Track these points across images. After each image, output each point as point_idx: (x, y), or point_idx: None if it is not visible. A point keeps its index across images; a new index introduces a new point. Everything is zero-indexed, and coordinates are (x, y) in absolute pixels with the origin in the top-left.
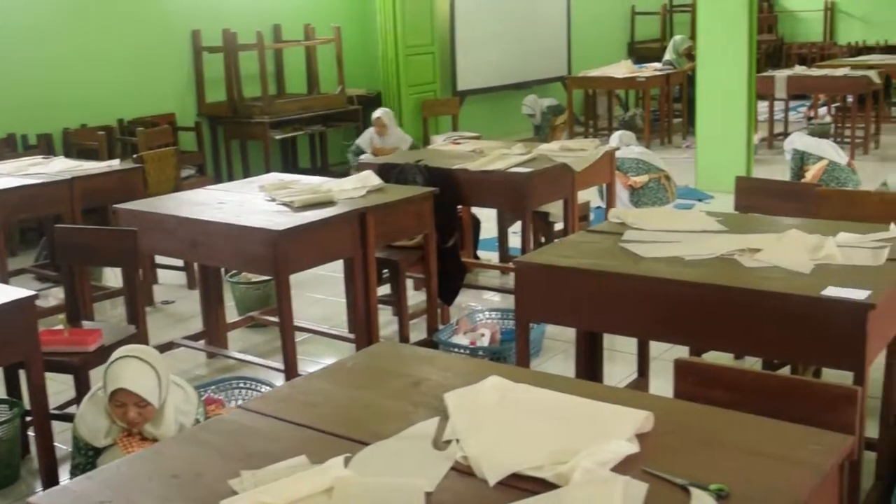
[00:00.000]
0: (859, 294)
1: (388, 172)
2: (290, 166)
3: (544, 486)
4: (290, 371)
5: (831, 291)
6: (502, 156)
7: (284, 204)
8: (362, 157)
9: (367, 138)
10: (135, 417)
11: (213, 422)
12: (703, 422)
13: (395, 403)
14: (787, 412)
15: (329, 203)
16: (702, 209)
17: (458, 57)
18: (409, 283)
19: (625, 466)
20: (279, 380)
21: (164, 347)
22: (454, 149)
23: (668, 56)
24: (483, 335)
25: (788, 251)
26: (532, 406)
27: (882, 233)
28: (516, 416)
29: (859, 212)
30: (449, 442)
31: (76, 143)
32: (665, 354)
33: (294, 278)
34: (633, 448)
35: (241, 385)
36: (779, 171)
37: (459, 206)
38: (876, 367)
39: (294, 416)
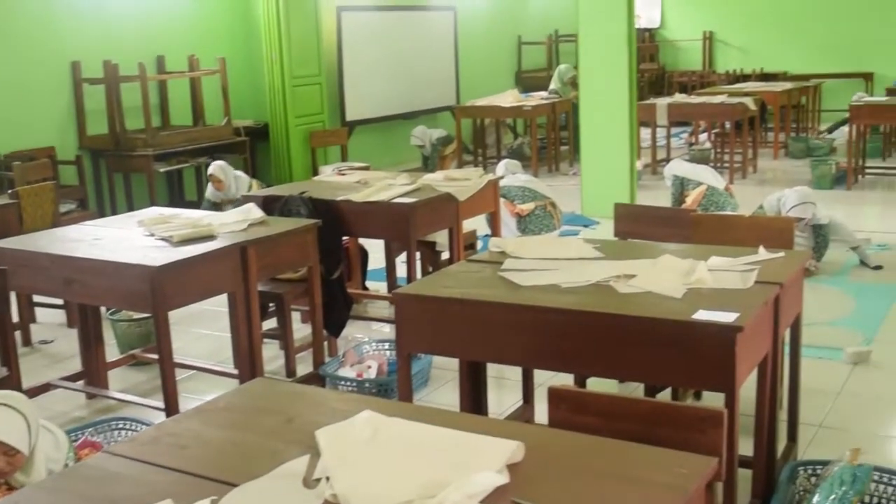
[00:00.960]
0: (728, 317)
1: (272, 205)
2: (177, 199)
3: None
4: (171, 410)
5: (701, 315)
6: (387, 186)
7: (163, 239)
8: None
9: (212, 195)
10: (3, 467)
11: (77, 468)
12: (574, 449)
13: (267, 442)
14: (658, 436)
15: (209, 237)
16: (583, 236)
17: (346, 87)
18: (297, 315)
19: (494, 498)
20: (161, 419)
21: (40, 389)
22: (339, 180)
23: (553, 85)
24: (370, 367)
25: (661, 276)
26: (404, 440)
27: (751, 256)
28: (388, 450)
29: (732, 235)
30: (319, 480)
31: None
32: (552, 380)
33: (179, 313)
34: (503, 479)
35: (121, 426)
36: (662, 197)
37: (345, 238)
38: (749, 386)
39: (161, 459)
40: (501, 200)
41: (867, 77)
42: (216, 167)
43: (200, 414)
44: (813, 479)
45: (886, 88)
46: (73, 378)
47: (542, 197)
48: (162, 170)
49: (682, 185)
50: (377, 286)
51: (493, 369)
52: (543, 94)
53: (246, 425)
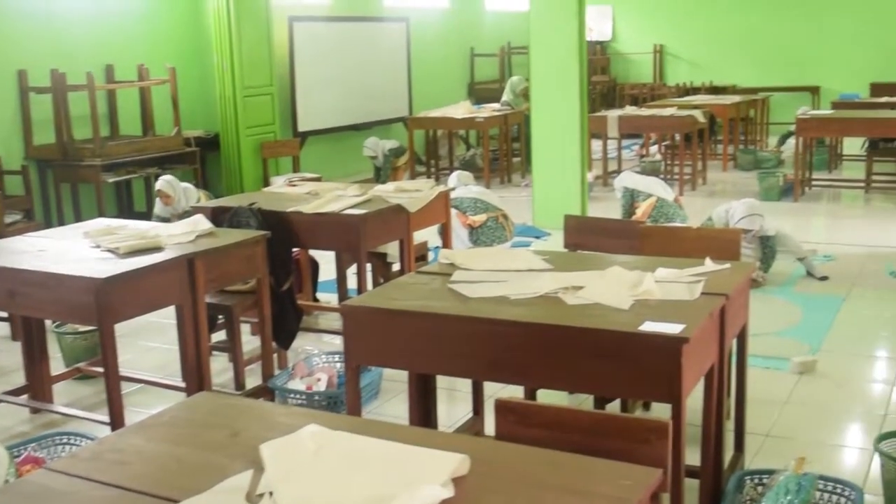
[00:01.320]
0: (674, 328)
1: (221, 216)
2: (126, 210)
3: None
4: (116, 424)
5: (648, 327)
6: (337, 197)
7: (109, 250)
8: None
9: (161, 210)
10: None
11: (15, 485)
12: (519, 462)
13: (211, 456)
14: (605, 447)
15: (156, 249)
16: (535, 247)
17: (298, 97)
18: (246, 328)
19: None
20: (106, 434)
21: None
22: (290, 191)
23: (505, 97)
24: (319, 380)
25: (609, 288)
26: (349, 454)
27: (698, 267)
28: (332, 465)
29: (679, 247)
30: (262, 495)
31: None
32: (501, 392)
33: (127, 326)
34: (447, 493)
35: (65, 441)
36: (613, 208)
37: (296, 249)
38: (697, 396)
39: (102, 476)
40: (454, 212)
41: (814, 91)
42: (164, 182)
43: (143, 429)
44: (759, 489)
45: (832, 102)
46: (16, 392)
47: (495, 208)
48: (110, 180)
49: (632, 197)
50: (328, 298)
51: (443, 381)
52: (496, 105)
53: (189, 440)
